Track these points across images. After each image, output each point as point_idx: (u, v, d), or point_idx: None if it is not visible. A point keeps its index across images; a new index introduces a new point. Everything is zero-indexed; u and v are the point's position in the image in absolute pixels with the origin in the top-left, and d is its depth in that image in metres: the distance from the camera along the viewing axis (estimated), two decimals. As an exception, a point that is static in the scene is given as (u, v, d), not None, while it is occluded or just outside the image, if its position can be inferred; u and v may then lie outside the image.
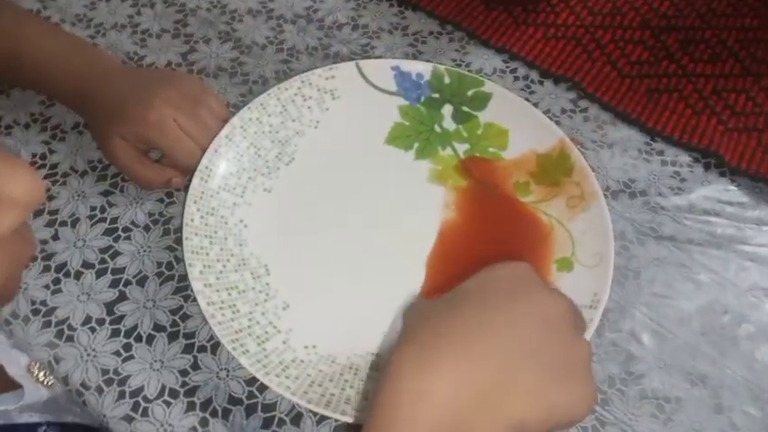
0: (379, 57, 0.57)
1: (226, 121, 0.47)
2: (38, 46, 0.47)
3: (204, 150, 0.46)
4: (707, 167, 0.53)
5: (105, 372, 0.40)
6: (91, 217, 0.47)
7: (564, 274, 0.44)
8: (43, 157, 0.50)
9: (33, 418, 0.40)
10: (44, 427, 0.42)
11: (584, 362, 0.32)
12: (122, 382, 0.40)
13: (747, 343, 0.44)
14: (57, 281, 0.44)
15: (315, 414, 0.40)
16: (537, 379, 0.30)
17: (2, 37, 0.46)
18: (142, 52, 0.56)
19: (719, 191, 0.52)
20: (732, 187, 0.52)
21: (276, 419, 0.40)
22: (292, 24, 0.59)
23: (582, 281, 0.42)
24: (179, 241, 0.44)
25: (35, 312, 0.42)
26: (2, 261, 0.24)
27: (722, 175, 0.53)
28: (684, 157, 0.53)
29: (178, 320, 0.42)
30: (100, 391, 0.40)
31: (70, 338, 0.41)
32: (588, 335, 0.39)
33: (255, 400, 0.40)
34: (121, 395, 0.40)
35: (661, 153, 0.53)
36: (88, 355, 0.41)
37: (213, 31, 0.58)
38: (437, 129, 0.51)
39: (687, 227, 0.49)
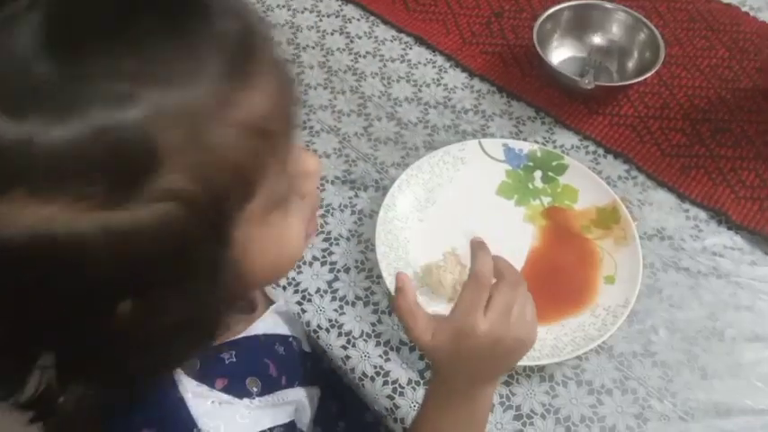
0: (493, 134, 0.85)
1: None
2: None
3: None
4: (719, 223, 0.77)
5: (329, 320, 0.69)
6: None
7: (608, 285, 0.69)
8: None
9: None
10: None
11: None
12: (340, 327, 0.69)
13: (730, 340, 0.68)
14: (298, 267, 0.73)
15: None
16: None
17: None
18: (338, 125, 0.86)
19: (726, 239, 0.75)
20: (735, 238, 0.75)
21: (427, 356, 0.67)
22: (434, 108, 0.88)
23: (620, 290, 0.68)
24: (368, 248, 0.73)
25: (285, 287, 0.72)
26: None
27: (729, 229, 0.76)
28: (703, 215, 0.77)
29: (369, 294, 0.71)
30: (327, 331, 0.69)
31: (309, 300, 0.71)
32: (620, 322, 0.64)
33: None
34: (339, 334, 0.68)
35: (687, 211, 0.78)
36: (321, 311, 0.70)
37: (383, 112, 0.87)
38: (530, 186, 0.78)
39: (699, 262, 0.73)
